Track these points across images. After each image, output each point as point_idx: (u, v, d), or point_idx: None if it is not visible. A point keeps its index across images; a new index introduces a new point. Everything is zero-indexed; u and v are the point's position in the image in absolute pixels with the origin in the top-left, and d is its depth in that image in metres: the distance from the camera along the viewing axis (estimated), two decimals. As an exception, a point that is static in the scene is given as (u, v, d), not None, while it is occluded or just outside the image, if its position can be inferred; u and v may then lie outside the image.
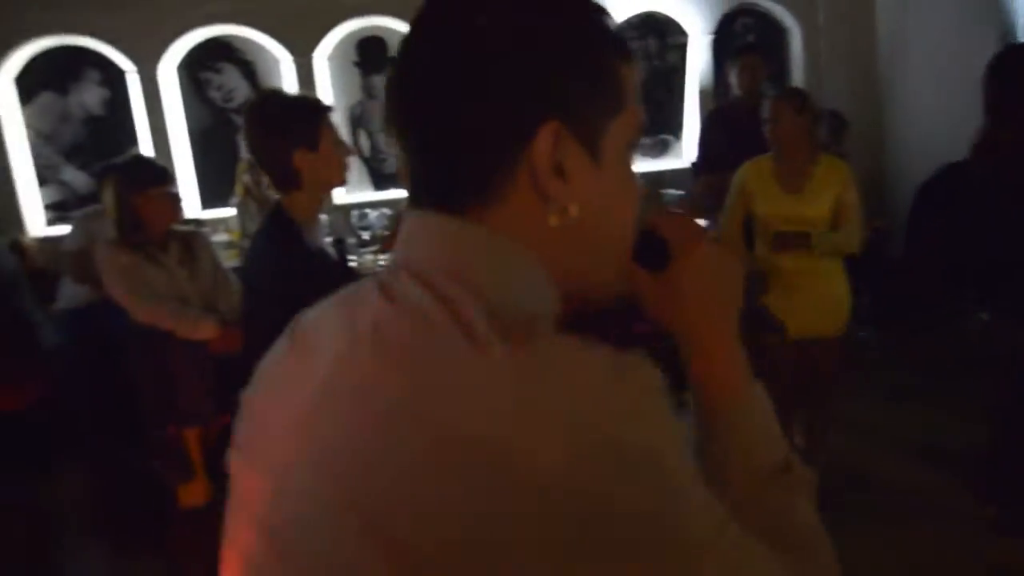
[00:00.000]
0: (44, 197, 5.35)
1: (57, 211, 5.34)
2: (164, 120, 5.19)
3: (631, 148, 0.65)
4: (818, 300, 2.85)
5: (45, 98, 5.22)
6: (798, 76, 5.74)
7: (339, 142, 2.00)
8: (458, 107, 0.59)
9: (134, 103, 5.21)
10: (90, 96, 5.28)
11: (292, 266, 1.86)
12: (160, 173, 2.88)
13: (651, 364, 0.55)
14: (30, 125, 5.23)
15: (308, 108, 1.96)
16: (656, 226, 0.70)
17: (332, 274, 1.96)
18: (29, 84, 5.18)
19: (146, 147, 5.21)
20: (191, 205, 5.29)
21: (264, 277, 1.90)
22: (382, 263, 4.30)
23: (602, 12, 0.63)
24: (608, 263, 0.66)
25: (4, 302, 3.14)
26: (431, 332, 0.55)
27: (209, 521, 0.77)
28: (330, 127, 1.97)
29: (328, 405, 0.57)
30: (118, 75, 5.19)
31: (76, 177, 5.29)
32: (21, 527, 3.09)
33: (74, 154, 5.32)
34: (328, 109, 1.99)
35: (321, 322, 0.65)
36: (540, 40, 0.58)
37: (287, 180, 1.91)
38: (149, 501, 3.01)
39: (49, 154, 5.31)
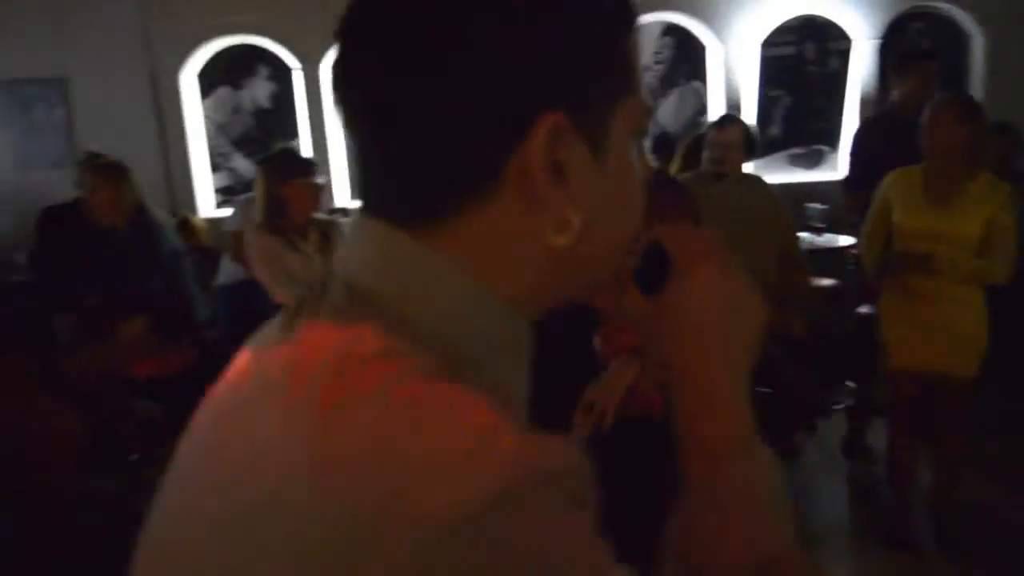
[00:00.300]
0: (215, 181, 5.84)
1: (225, 195, 5.82)
2: (323, 114, 5.52)
3: (637, 140, 0.53)
4: (947, 333, 2.57)
5: (222, 92, 5.71)
6: (977, 87, 5.27)
7: None
8: (424, 93, 0.46)
9: (297, 98, 5.58)
10: (260, 90, 5.71)
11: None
12: (305, 165, 3.07)
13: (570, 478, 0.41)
14: (208, 116, 5.74)
15: None
16: (661, 239, 0.58)
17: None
18: (209, 79, 5.67)
19: (305, 138, 5.57)
20: (342, 195, 5.60)
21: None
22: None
23: None
24: (599, 278, 0.55)
25: (165, 276, 3.47)
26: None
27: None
28: None
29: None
30: (285, 71, 5.57)
31: (243, 164, 5.72)
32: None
33: (243, 143, 5.78)
34: None
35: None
36: (534, 9, 0.46)
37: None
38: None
39: (222, 143, 5.80)
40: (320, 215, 3.16)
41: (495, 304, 0.49)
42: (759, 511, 0.53)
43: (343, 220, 3.78)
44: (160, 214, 3.67)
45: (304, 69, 5.46)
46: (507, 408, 0.43)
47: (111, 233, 3.51)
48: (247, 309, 3.90)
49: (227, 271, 4.19)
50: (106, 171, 3.54)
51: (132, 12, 5.37)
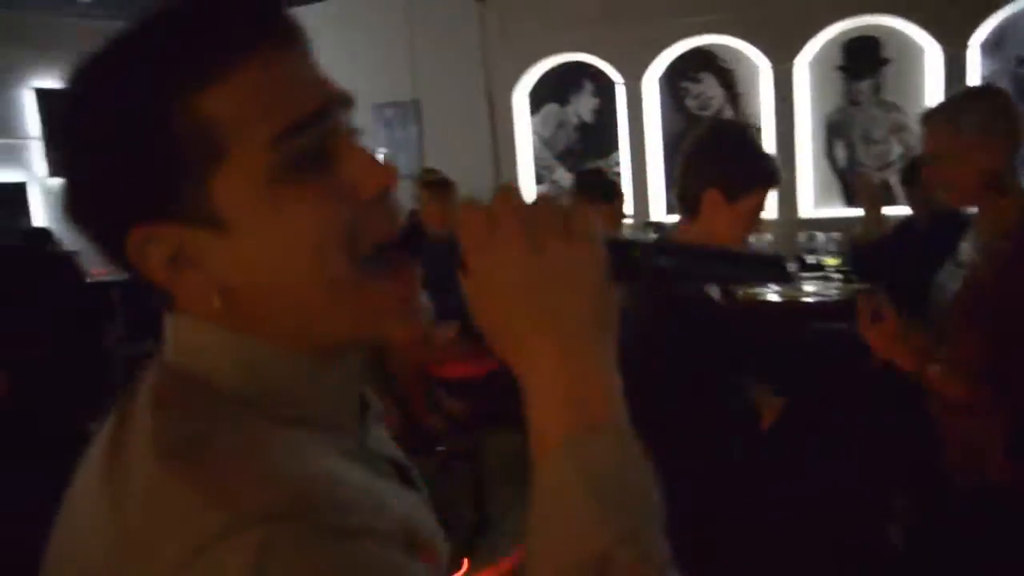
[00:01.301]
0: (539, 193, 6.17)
1: (547, 206, 6.12)
2: (643, 127, 5.54)
3: (280, 178, 0.50)
4: None
5: (549, 108, 6.00)
6: None
7: None
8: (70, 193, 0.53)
9: (619, 111, 5.66)
10: (584, 105, 5.89)
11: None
12: (607, 189, 3.08)
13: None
14: (535, 132, 6.08)
15: None
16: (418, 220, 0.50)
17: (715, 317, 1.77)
18: (538, 96, 6.00)
19: (624, 151, 5.64)
20: (657, 209, 5.57)
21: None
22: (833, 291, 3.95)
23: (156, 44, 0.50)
24: (304, 309, 0.53)
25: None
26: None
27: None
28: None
29: None
30: (608, 86, 5.68)
31: (564, 177, 5.96)
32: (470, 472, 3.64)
33: (566, 156, 6.02)
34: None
35: None
36: (84, 155, 0.52)
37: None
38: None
39: (547, 157, 6.10)
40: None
41: (264, 352, 0.54)
42: (583, 505, 0.46)
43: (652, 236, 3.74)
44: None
45: (626, 84, 5.53)
46: (324, 432, 0.54)
47: (435, 244, 3.87)
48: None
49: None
50: (435, 187, 3.91)
51: (474, 39, 5.89)
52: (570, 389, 0.49)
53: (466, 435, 3.69)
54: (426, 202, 3.91)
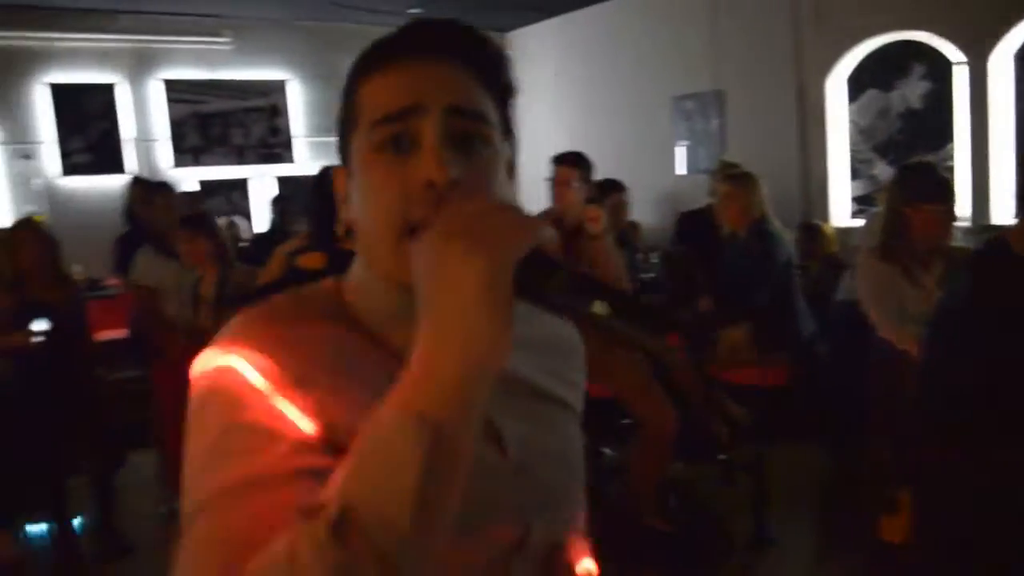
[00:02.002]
0: (853, 189, 5.61)
1: (861, 204, 5.54)
2: (987, 115, 4.75)
3: (374, 150, 0.68)
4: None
5: (869, 95, 5.41)
6: None
7: None
8: None
9: (956, 96, 4.91)
10: (911, 91, 5.21)
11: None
12: (939, 189, 2.68)
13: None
14: (852, 121, 5.52)
15: None
16: None
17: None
18: (857, 82, 5.44)
19: (961, 143, 4.89)
20: (1000, 212, 4.77)
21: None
22: None
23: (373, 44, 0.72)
24: (375, 250, 0.70)
25: (774, 288, 3.47)
26: None
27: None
28: None
29: None
30: (944, 68, 4.96)
31: (884, 171, 5.35)
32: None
33: (886, 149, 5.39)
34: None
35: None
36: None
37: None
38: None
39: (864, 149, 5.51)
40: (950, 243, 2.72)
41: (364, 276, 0.74)
42: (372, 461, 0.53)
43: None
44: (777, 225, 3.67)
45: (968, 64, 4.78)
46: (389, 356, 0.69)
47: (731, 241, 3.68)
48: (862, 332, 3.66)
49: (848, 287, 3.98)
50: (737, 181, 3.70)
51: (784, 23, 5.49)
52: (424, 370, 0.55)
53: (751, 446, 3.47)
54: (724, 196, 3.73)
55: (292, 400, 0.63)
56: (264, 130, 7.04)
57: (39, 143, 6.27)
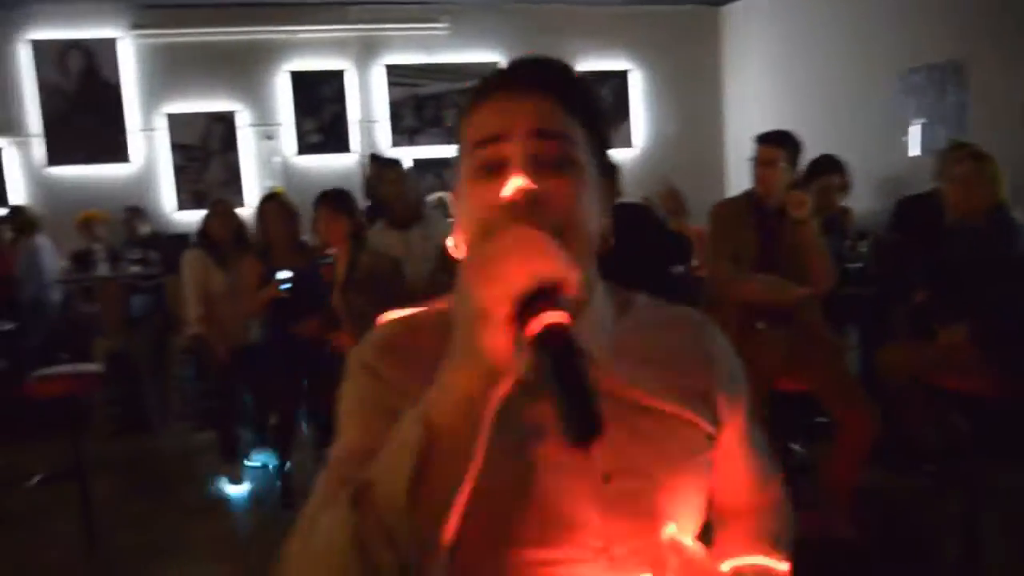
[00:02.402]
0: None
1: None
2: None
3: (473, 174, 0.80)
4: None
5: None
6: None
7: None
8: None
9: None
10: None
11: None
12: None
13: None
14: None
15: None
16: None
17: None
18: None
19: None
20: None
21: None
22: None
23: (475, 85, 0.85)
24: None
25: (1008, 283, 3.05)
26: None
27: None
28: None
29: None
30: None
31: None
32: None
33: None
34: None
35: None
36: None
37: None
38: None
39: None
40: None
41: None
42: (391, 452, 0.66)
43: None
44: (1018, 215, 3.22)
45: None
46: None
47: (959, 229, 3.27)
48: None
49: None
50: (978, 161, 3.26)
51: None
52: (437, 381, 0.66)
53: (965, 460, 3.10)
54: (961, 178, 3.28)
55: (401, 397, 0.74)
56: (475, 111, 7.33)
57: (279, 125, 6.99)
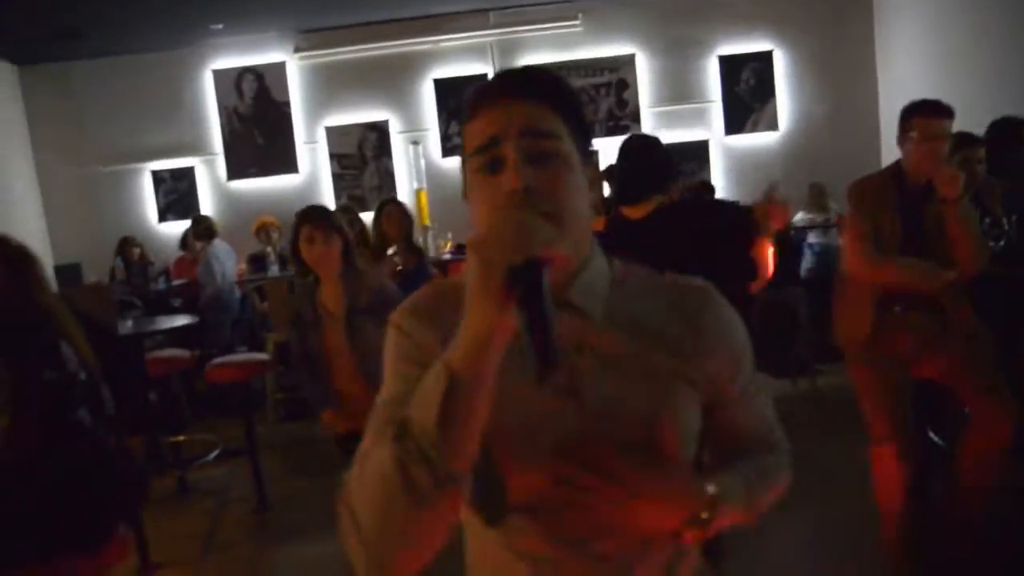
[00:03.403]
0: None
1: None
2: None
3: (475, 174, 0.92)
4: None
5: None
6: None
7: None
8: None
9: None
10: None
11: None
12: None
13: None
14: None
15: None
16: None
17: None
18: None
19: None
20: None
21: None
22: None
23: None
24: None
25: None
26: None
27: None
28: None
29: None
30: None
31: None
32: None
33: None
34: None
35: None
36: None
37: None
38: None
39: None
40: None
41: None
42: (424, 391, 0.81)
43: None
44: None
45: None
46: None
47: None
48: None
49: None
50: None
51: None
52: (456, 339, 0.80)
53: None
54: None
55: (427, 351, 0.92)
56: (611, 104, 7.39)
57: (425, 130, 7.42)
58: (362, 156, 7.48)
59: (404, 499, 0.78)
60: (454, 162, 7.33)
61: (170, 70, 7.30)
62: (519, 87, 0.92)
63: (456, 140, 7.38)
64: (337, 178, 7.47)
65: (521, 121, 0.89)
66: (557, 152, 0.90)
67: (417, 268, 4.04)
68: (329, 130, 7.42)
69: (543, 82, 0.94)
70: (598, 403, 0.91)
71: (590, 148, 1.01)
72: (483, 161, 0.90)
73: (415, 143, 7.37)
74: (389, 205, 4.17)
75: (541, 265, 0.76)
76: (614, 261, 1.02)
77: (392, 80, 7.38)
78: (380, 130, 7.43)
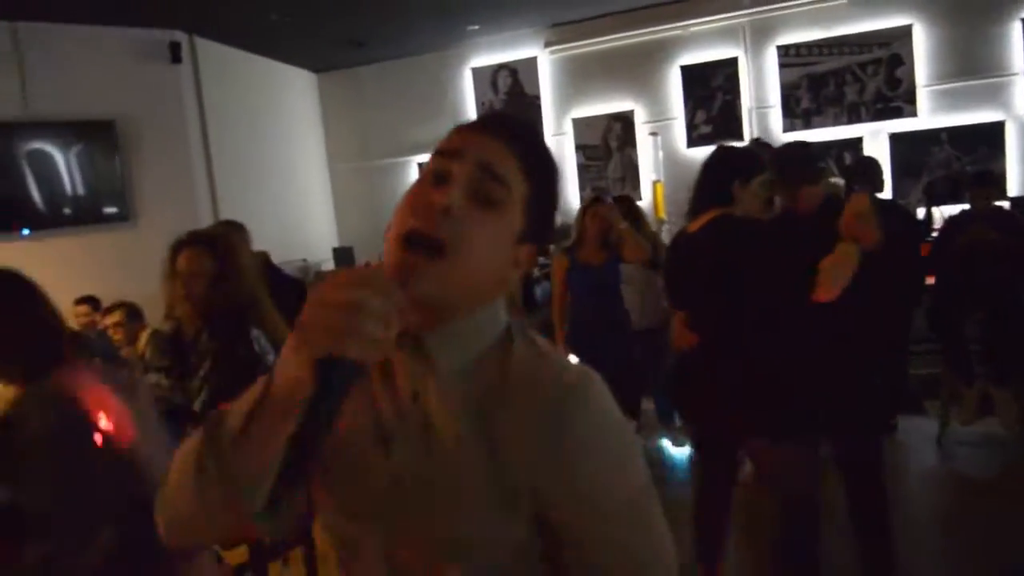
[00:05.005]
0: None
1: None
2: None
3: (422, 177, 0.91)
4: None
5: None
6: None
7: None
8: None
9: None
10: None
11: None
12: None
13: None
14: None
15: None
16: None
17: None
18: None
19: None
20: None
21: None
22: None
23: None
24: (388, 246, 0.90)
25: None
26: None
27: None
28: None
29: None
30: None
31: None
32: None
33: None
34: None
35: None
36: None
37: None
38: None
39: None
40: None
41: None
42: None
43: None
44: None
45: None
46: None
47: None
48: None
49: None
50: None
51: None
52: (281, 360, 0.80)
53: None
54: None
55: None
56: (881, 84, 6.62)
57: (671, 119, 7.24)
58: (607, 147, 7.52)
59: (191, 481, 0.83)
60: (700, 152, 7.07)
61: (435, 70, 7.92)
62: (507, 131, 0.90)
63: (703, 129, 7.13)
64: (582, 169, 7.59)
65: (487, 157, 0.87)
66: (500, 201, 0.87)
67: (605, 265, 4.02)
68: (576, 121, 7.56)
69: (532, 145, 0.92)
70: (402, 459, 0.89)
71: (542, 229, 0.93)
72: (434, 167, 0.88)
73: (653, 134, 7.23)
74: (595, 204, 4.15)
75: (345, 368, 0.72)
76: (526, 342, 0.91)
77: (639, 69, 7.30)
78: (625, 120, 7.40)
